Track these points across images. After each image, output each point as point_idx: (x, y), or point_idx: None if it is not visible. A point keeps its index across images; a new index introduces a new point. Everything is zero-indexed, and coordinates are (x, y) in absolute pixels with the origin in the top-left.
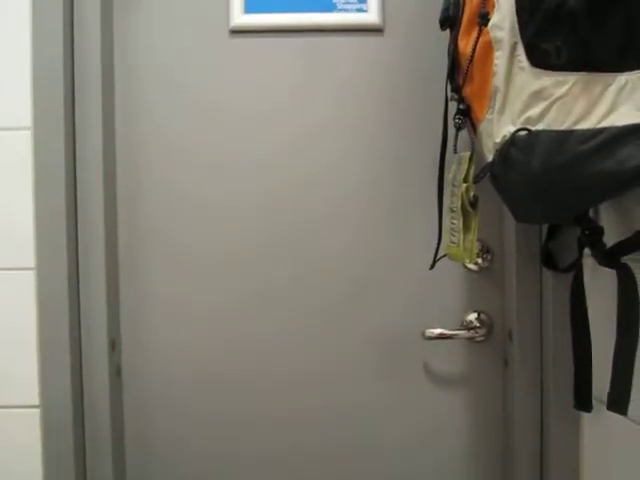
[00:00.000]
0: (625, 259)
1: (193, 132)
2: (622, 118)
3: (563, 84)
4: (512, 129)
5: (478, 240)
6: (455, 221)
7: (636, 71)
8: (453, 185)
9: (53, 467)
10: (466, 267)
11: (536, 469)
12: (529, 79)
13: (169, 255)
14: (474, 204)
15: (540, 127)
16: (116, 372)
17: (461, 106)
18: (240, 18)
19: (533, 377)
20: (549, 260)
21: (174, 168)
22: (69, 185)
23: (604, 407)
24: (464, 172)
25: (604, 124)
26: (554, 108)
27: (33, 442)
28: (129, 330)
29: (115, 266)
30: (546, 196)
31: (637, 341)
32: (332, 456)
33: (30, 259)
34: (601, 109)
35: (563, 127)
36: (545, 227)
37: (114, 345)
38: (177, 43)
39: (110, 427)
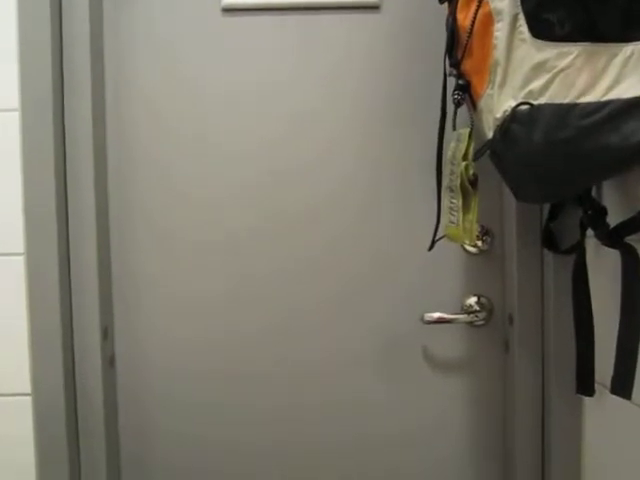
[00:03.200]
0: (629, 239)
1: (185, 113)
2: (628, 90)
3: (566, 55)
4: (513, 104)
5: (477, 222)
6: (454, 200)
7: None
8: (452, 163)
9: (46, 455)
10: (466, 250)
11: (538, 455)
12: (531, 51)
13: (163, 241)
14: (474, 183)
15: (542, 101)
16: (109, 361)
17: (460, 81)
18: None
19: (534, 361)
20: (550, 241)
21: (167, 150)
22: (58, 168)
23: (607, 391)
24: (463, 150)
25: (609, 97)
26: (557, 81)
27: (25, 430)
28: (123, 319)
29: (107, 251)
30: (548, 173)
31: None
32: (333, 447)
33: (19, 244)
34: (606, 81)
35: (566, 100)
36: (546, 208)
37: (107, 333)
38: (168, 22)
39: (103, 416)
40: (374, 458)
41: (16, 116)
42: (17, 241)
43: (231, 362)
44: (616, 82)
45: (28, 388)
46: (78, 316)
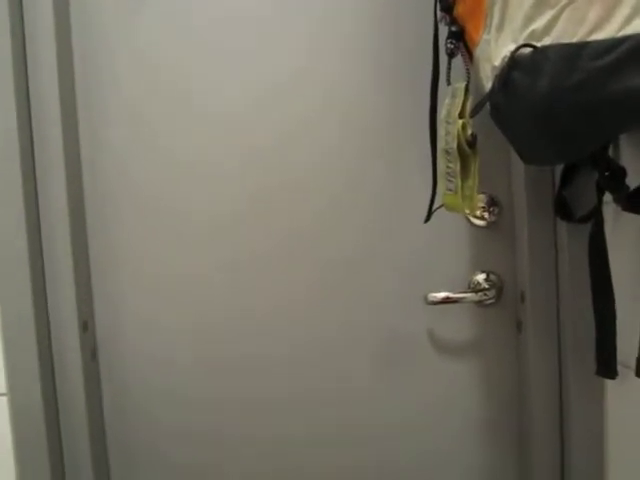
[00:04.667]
0: None
1: (167, 84)
2: None
3: None
4: (513, 47)
5: (483, 192)
6: (451, 165)
7: None
8: (447, 122)
9: (26, 457)
10: (471, 222)
11: (556, 441)
12: None
13: (145, 225)
14: (472, 144)
15: (547, 42)
16: (90, 355)
17: (453, 28)
18: None
19: (549, 342)
20: (564, 210)
21: (148, 129)
22: (24, 148)
23: (631, 373)
24: (459, 106)
25: (626, 31)
26: (563, 16)
27: (3, 431)
28: (104, 307)
29: (84, 237)
30: (557, 127)
31: None
32: (333, 435)
33: None
34: (622, 12)
35: (575, 39)
36: (558, 172)
37: (86, 326)
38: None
39: (86, 412)
40: (377, 446)
41: None
42: None
43: (221, 349)
44: (634, 13)
45: (4, 388)
46: (54, 308)
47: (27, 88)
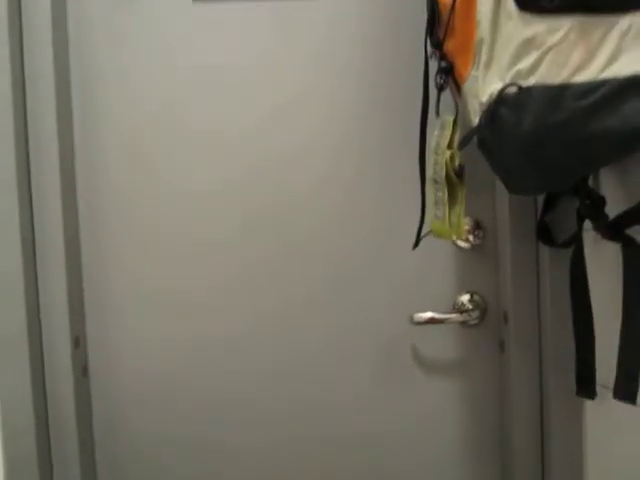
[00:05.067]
0: (630, 231)
1: (160, 108)
2: (627, 67)
3: (557, 30)
4: (500, 85)
5: (469, 216)
6: (440, 193)
7: None
8: (436, 153)
9: (16, 472)
10: (457, 245)
11: (537, 459)
12: (518, 26)
13: (140, 239)
14: (460, 173)
15: (532, 81)
16: (82, 371)
17: (443, 63)
18: None
19: (531, 362)
20: (546, 235)
21: (145, 140)
22: (21, 171)
23: (609, 393)
24: (448, 138)
25: (606, 75)
26: (547, 59)
27: None
28: (95, 326)
29: (77, 253)
30: (540, 161)
31: None
32: (318, 450)
33: None
34: (602, 58)
35: (558, 80)
36: (541, 199)
37: (78, 342)
38: (138, 11)
39: (76, 429)
40: (362, 460)
41: None
42: None
43: (212, 364)
44: (613, 58)
45: None
46: (47, 325)
47: (26, 133)
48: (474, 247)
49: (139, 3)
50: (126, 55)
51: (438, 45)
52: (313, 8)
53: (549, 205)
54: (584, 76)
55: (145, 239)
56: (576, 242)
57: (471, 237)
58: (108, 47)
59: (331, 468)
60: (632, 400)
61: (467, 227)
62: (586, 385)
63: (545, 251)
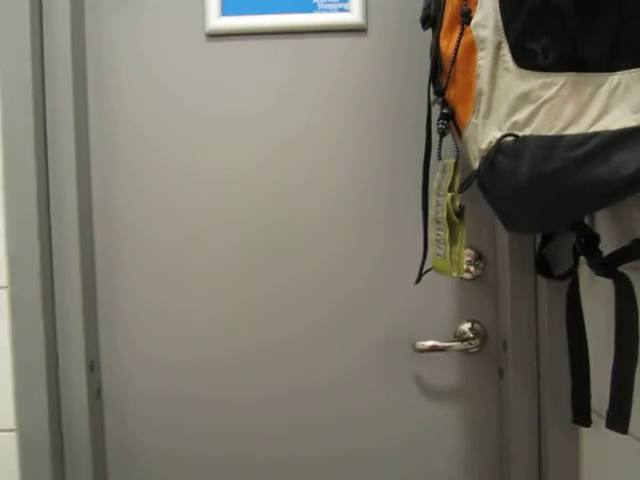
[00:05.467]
0: (622, 268)
1: (173, 143)
2: (616, 121)
3: (551, 86)
4: (498, 134)
5: (470, 247)
6: (441, 232)
7: (629, 70)
8: (438, 194)
9: None
10: (458, 277)
11: None
12: (515, 81)
13: (151, 267)
14: (460, 214)
15: (527, 132)
16: (96, 393)
17: (445, 110)
18: (217, 21)
19: (529, 389)
20: (544, 267)
21: (155, 177)
22: (41, 194)
23: (604, 421)
24: (449, 180)
25: (596, 128)
26: (542, 112)
27: (10, 467)
28: (109, 348)
29: (92, 282)
30: (536, 205)
31: (637, 355)
32: (321, 470)
33: (2, 278)
34: (592, 112)
35: (552, 132)
36: (539, 233)
37: (93, 365)
38: (152, 48)
39: (90, 449)
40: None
41: None
42: None
43: (222, 385)
44: (603, 113)
45: (12, 424)
46: (63, 348)
47: (46, 156)
48: (475, 277)
49: (155, 42)
50: (139, 94)
51: (440, 93)
52: (321, 46)
53: (547, 239)
54: (576, 129)
55: (157, 271)
56: (572, 276)
57: (472, 268)
58: (122, 83)
59: None
60: (623, 430)
61: (468, 258)
62: (581, 413)
63: (543, 282)
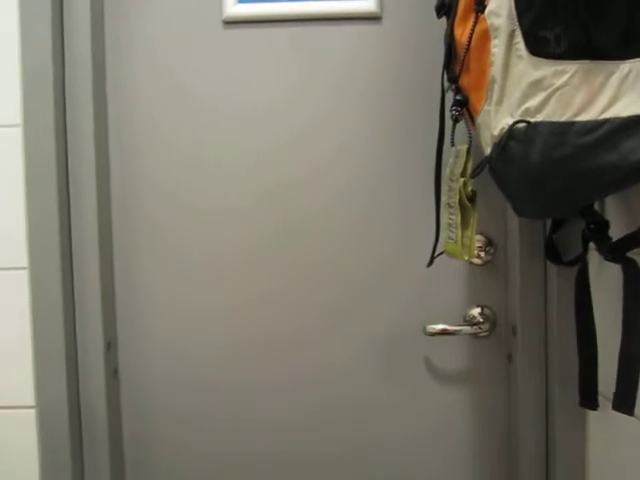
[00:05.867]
0: (631, 253)
1: (189, 128)
2: (626, 109)
3: (563, 73)
4: (510, 121)
5: (481, 233)
6: (453, 217)
7: None
8: (450, 180)
9: (50, 467)
10: (469, 261)
11: (541, 467)
12: (528, 68)
13: (165, 255)
14: (472, 199)
15: (539, 119)
16: (113, 372)
17: (458, 97)
18: (233, 8)
19: (538, 373)
20: (553, 254)
21: (168, 165)
22: (61, 183)
23: (610, 404)
24: (462, 166)
25: (606, 115)
26: (554, 99)
27: (30, 443)
28: (126, 331)
29: (110, 265)
30: (546, 191)
31: None
32: (334, 457)
33: (23, 258)
34: (603, 99)
35: (563, 119)
36: (549, 219)
37: (110, 345)
38: (169, 35)
39: (107, 426)
40: (373, 468)
41: (19, 132)
42: (20, 255)
43: (233, 373)
44: (614, 100)
45: (32, 401)
46: (82, 328)
47: (66, 145)
48: (485, 263)
49: (173, 29)
50: (158, 78)
51: (454, 80)
52: (336, 33)
53: (557, 225)
54: (587, 115)
55: (171, 260)
56: (581, 262)
57: (482, 253)
58: (143, 71)
59: (344, 471)
60: (629, 411)
61: (479, 244)
62: (589, 396)
63: (553, 268)
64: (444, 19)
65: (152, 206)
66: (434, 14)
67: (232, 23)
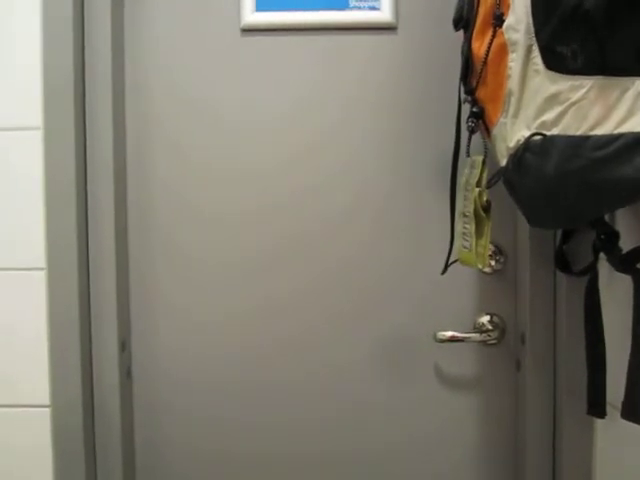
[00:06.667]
0: None
1: (205, 135)
2: None
3: (579, 88)
4: (526, 133)
5: (491, 242)
6: (467, 226)
7: None
8: (466, 189)
9: (64, 465)
10: (479, 269)
11: (549, 474)
12: (544, 83)
13: (179, 260)
14: (487, 209)
15: (555, 132)
16: (126, 373)
17: (474, 109)
18: (251, 16)
19: (546, 381)
20: (563, 263)
21: (185, 173)
22: (79, 185)
23: (618, 413)
24: (477, 176)
25: (621, 130)
26: (569, 113)
27: (44, 441)
28: (139, 332)
29: (125, 268)
30: (560, 202)
31: None
32: (343, 460)
33: (41, 260)
34: (618, 114)
35: (579, 132)
36: (560, 229)
37: (124, 346)
38: (188, 43)
39: (120, 426)
40: (380, 472)
41: (39, 134)
42: (39, 256)
43: (245, 375)
44: (629, 115)
45: (47, 400)
46: (97, 329)
47: (85, 145)
48: (495, 271)
49: (191, 36)
50: (175, 86)
51: (471, 92)
52: (352, 42)
53: (567, 236)
54: (602, 130)
55: (184, 264)
56: (591, 272)
57: (493, 262)
58: (158, 77)
59: (353, 474)
60: (638, 420)
61: (489, 253)
62: (596, 405)
63: (562, 277)
64: (460, 31)
65: (167, 210)
66: (449, 25)
67: (250, 31)
